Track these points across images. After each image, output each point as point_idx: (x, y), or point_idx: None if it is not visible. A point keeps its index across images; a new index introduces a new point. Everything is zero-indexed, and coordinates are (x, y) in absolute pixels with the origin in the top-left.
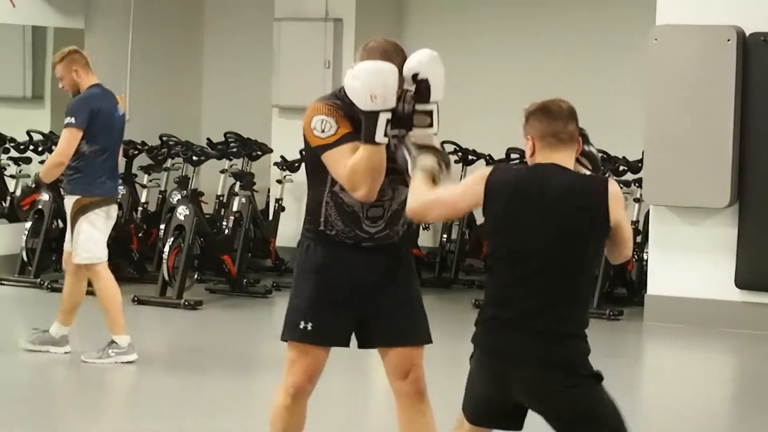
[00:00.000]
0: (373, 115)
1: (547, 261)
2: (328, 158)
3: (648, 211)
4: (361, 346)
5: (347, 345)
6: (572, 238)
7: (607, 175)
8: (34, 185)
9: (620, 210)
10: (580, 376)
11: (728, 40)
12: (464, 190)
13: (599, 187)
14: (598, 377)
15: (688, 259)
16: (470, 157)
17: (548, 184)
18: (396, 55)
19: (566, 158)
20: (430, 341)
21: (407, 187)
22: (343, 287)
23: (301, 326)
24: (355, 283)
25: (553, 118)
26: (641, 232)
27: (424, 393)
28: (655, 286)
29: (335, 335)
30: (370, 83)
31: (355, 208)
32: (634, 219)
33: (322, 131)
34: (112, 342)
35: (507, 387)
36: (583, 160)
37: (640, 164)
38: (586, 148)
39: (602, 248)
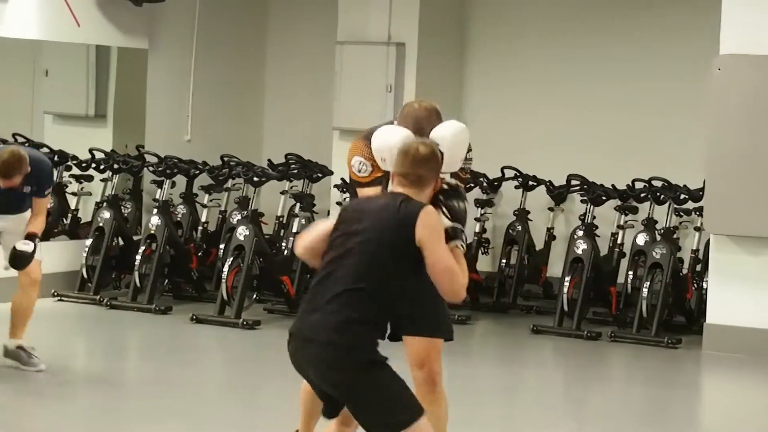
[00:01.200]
0: (387, 173)
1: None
2: (360, 193)
3: (708, 240)
4: (391, 339)
5: (392, 339)
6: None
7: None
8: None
9: (425, 232)
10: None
11: None
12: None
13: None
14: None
15: (747, 289)
16: (530, 183)
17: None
18: (428, 123)
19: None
20: (449, 338)
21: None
22: None
23: None
24: None
25: (405, 161)
26: (701, 261)
27: (437, 384)
28: (715, 314)
29: None
30: (380, 147)
31: None
32: (695, 247)
33: (359, 171)
34: None
35: None
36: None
37: (701, 193)
38: (444, 200)
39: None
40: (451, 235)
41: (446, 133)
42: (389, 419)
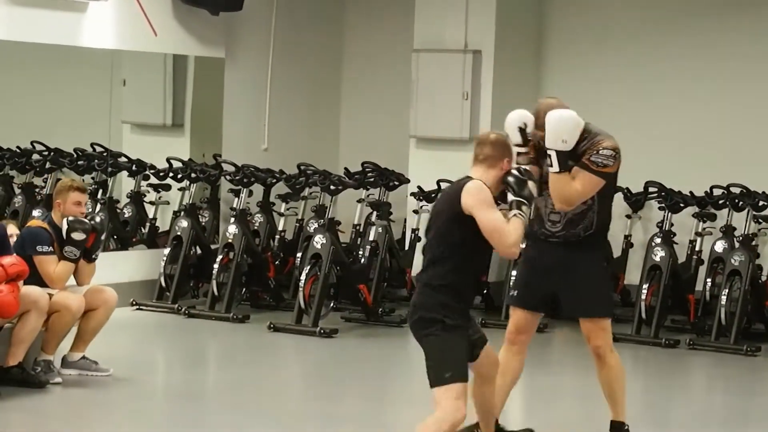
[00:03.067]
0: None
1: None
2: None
3: None
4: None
5: (545, 312)
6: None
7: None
8: None
9: (469, 200)
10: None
11: None
12: None
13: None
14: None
15: None
16: None
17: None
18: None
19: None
20: (606, 315)
21: (583, 204)
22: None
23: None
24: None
25: (477, 143)
26: None
27: (602, 357)
28: None
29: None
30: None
31: (540, 211)
32: None
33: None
34: None
35: None
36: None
37: None
38: (509, 179)
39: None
40: (512, 207)
41: (553, 114)
42: (437, 372)
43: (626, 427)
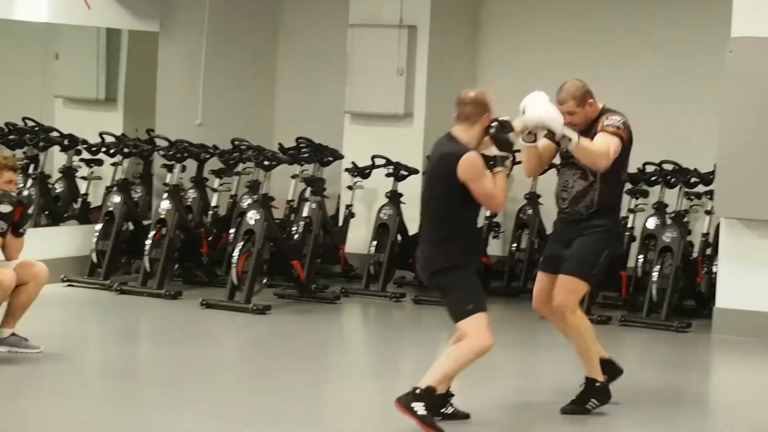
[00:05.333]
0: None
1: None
2: None
3: (718, 223)
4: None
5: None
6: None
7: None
8: None
9: (465, 173)
10: None
11: None
12: None
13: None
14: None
15: (758, 273)
16: None
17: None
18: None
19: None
20: (570, 272)
21: (585, 180)
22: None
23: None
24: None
25: (457, 102)
26: (711, 245)
27: (563, 316)
28: (725, 298)
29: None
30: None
31: (557, 191)
32: (705, 231)
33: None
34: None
35: None
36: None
37: (711, 176)
38: (491, 133)
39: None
40: (497, 162)
41: (535, 102)
42: (459, 307)
43: (598, 384)
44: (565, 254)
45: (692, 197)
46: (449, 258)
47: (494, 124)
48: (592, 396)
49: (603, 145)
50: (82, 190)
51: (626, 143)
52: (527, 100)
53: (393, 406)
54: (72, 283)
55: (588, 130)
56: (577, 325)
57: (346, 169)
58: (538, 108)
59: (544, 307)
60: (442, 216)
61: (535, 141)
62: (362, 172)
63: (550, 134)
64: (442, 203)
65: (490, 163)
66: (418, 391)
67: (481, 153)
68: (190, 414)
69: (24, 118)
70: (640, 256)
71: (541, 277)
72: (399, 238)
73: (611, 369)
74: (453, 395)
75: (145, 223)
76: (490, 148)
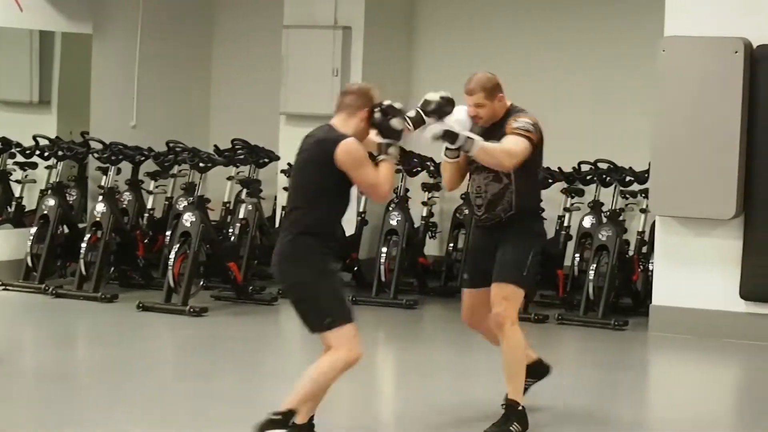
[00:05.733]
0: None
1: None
2: None
3: (654, 221)
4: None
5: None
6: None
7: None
8: None
9: (346, 160)
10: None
11: (736, 52)
12: None
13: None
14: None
15: (693, 270)
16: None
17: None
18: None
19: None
20: (505, 280)
21: (498, 183)
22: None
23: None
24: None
25: (341, 92)
26: (647, 243)
27: (501, 326)
28: (661, 296)
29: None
30: None
31: (470, 197)
32: (641, 229)
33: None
34: None
35: None
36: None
37: (646, 175)
38: (372, 120)
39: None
40: (381, 150)
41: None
42: (317, 318)
43: (520, 407)
44: (490, 267)
45: (627, 196)
46: (307, 253)
47: (379, 110)
48: (514, 420)
49: (508, 144)
50: (17, 194)
51: (536, 144)
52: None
53: None
54: (7, 287)
55: (494, 129)
56: (515, 340)
57: (282, 171)
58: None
59: (475, 321)
60: (308, 201)
61: (458, 156)
62: None
63: (450, 139)
64: (310, 192)
65: (376, 155)
66: (276, 416)
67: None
68: (125, 416)
69: None
70: (577, 255)
71: (468, 294)
72: None
73: (540, 368)
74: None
75: (81, 226)
76: (375, 136)
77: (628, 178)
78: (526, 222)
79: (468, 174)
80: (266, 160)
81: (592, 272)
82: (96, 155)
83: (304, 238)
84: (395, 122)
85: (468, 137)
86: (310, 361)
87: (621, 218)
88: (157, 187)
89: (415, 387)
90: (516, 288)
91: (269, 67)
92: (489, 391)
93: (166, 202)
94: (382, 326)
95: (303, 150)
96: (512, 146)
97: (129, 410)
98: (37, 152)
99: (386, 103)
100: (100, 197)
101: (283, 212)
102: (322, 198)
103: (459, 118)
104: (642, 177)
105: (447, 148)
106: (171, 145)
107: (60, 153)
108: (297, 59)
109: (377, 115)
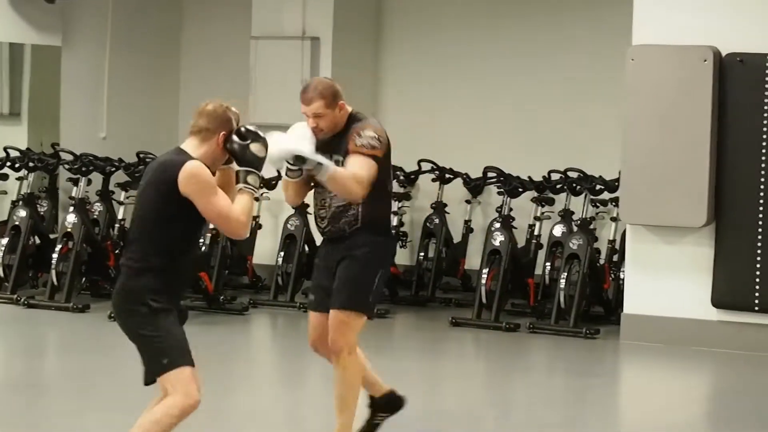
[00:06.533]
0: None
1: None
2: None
3: (624, 230)
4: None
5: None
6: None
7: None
8: None
9: (188, 187)
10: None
11: (705, 61)
12: None
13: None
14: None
15: (664, 278)
16: (447, 175)
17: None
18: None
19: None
20: (345, 306)
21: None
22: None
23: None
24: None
25: (195, 112)
26: (618, 251)
27: (337, 355)
28: (632, 304)
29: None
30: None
31: (315, 210)
32: (611, 238)
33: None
34: None
35: None
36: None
37: (616, 183)
38: (228, 146)
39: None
40: (238, 179)
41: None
42: (153, 360)
43: None
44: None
45: (598, 204)
46: (144, 293)
47: (236, 135)
48: None
49: (355, 169)
50: None
51: (383, 157)
52: (274, 135)
53: None
54: None
55: (336, 140)
56: (352, 370)
57: None
58: (285, 139)
59: (320, 345)
60: (146, 238)
61: (300, 175)
62: (268, 184)
63: (299, 162)
64: (149, 222)
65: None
66: None
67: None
68: (96, 425)
69: None
70: (548, 264)
71: (313, 317)
72: (306, 248)
73: (394, 401)
74: None
75: (52, 236)
76: (232, 165)
77: (598, 187)
78: (373, 237)
79: (312, 186)
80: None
81: (563, 281)
82: (66, 166)
83: (143, 276)
84: (255, 148)
85: (318, 162)
86: (279, 370)
87: (592, 227)
88: (127, 197)
89: None
90: (357, 314)
91: (238, 78)
92: (460, 398)
93: None
94: (360, 335)
95: (145, 173)
96: (360, 172)
97: (99, 417)
98: (8, 164)
99: (243, 126)
100: (71, 208)
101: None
102: (163, 231)
103: (301, 134)
104: (612, 185)
105: (289, 169)
106: (141, 155)
107: (31, 164)
108: (265, 70)
109: (230, 140)
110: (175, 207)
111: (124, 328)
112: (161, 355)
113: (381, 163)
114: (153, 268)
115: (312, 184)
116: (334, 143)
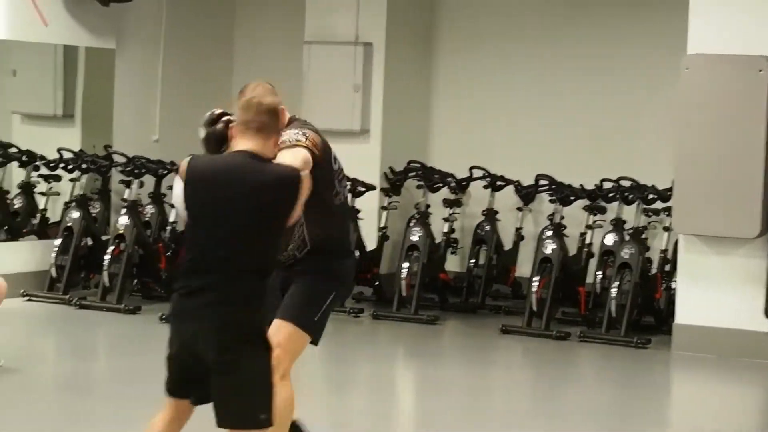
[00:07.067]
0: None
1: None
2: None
3: (677, 240)
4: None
5: None
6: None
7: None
8: None
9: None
10: None
11: (760, 71)
12: None
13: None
14: None
15: (716, 289)
16: (499, 183)
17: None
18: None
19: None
20: (293, 321)
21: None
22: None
23: None
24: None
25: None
26: (670, 261)
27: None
28: (684, 315)
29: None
30: None
31: None
32: (663, 248)
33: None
34: None
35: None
36: None
37: (669, 193)
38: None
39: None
40: None
41: None
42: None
43: None
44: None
45: (650, 213)
46: (257, 323)
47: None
48: None
49: (286, 161)
50: (41, 206)
51: (320, 158)
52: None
53: None
54: (31, 298)
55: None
56: (279, 398)
57: None
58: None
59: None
60: (263, 259)
61: None
62: None
63: None
64: (267, 239)
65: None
66: None
67: None
68: (145, 427)
69: None
70: (599, 273)
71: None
72: (357, 254)
73: None
74: None
75: (104, 238)
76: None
77: (650, 196)
78: (327, 258)
79: None
80: None
81: (614, 290)
82: (119, 168)
83: (254, 304)
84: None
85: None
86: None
87: (643, 236)
88: None
89: (433, 403)
90: (300, 332)
91: (290, 83)
92: (507, 407)
93: None
94: (402, 341)
95: (253, 190)
96: (291, 159)
97: (146, 423)
98: (61, 165)
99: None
100: (123, 210)
101: None
102: (275, 247)
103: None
104: (665, 195)
105: None
106: None
107: (84, 166)
108: (318, 75)
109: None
110: (285, 221)
111: (223, 366)
112: (264, 407)
113: (315, 160)
114: (258, 294)
115: None
116: None
